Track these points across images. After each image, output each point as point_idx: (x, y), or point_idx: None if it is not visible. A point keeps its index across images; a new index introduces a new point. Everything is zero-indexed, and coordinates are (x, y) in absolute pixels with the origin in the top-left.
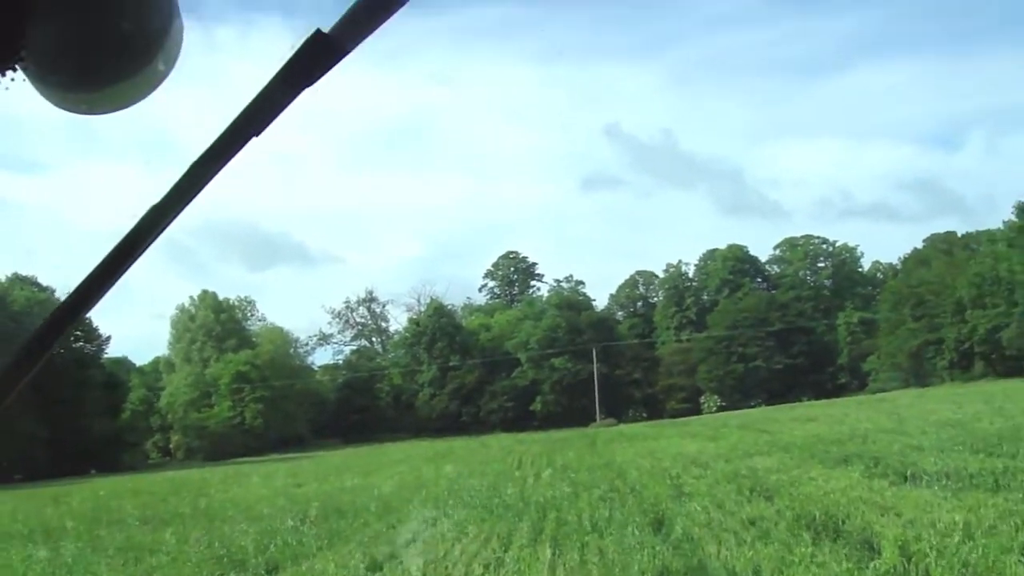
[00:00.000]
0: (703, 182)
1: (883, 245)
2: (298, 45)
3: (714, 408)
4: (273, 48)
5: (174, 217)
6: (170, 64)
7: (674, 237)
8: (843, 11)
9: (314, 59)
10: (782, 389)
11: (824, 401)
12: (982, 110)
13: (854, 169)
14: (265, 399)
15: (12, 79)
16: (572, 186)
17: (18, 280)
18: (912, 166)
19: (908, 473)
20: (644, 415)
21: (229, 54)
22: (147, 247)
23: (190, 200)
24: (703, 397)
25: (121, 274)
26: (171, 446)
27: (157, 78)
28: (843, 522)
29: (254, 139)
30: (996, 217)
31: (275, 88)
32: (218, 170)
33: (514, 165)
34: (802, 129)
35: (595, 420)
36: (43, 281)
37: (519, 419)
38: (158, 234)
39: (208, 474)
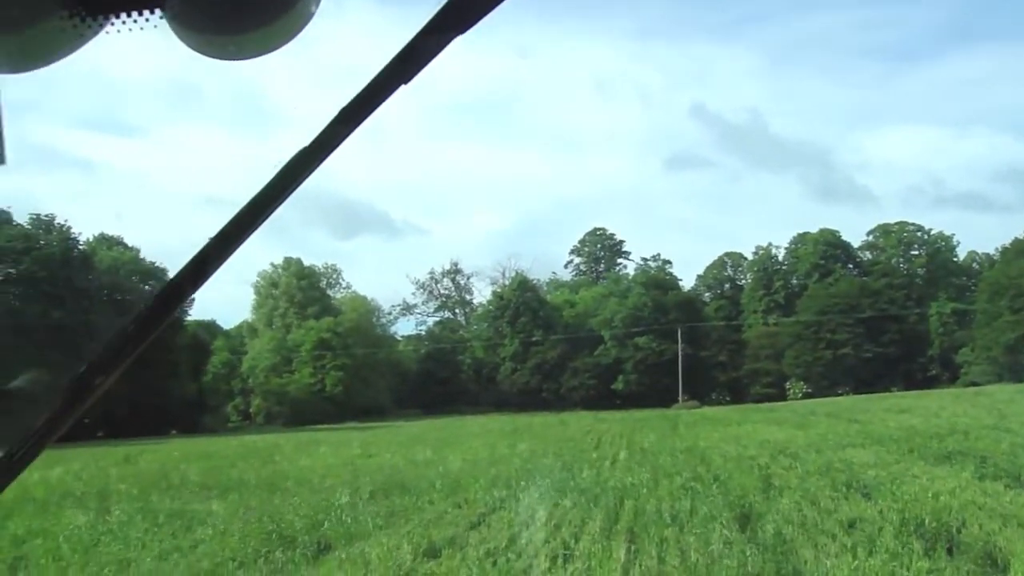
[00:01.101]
0: (792, 165)
1: (976, 235)
2: None
3: (800, 395)
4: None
5: (318, 164)
6: (317, 3)
7: (763, 219)
8: None
9: (469, 3)
10: (870, 378)
11: (915, 392)
12: None
13: (948, 157)
14: (346, 367)
15: (155, 25)
16: (658, 164)
17: (104, 240)
18: (1009, 155)
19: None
20: (727, 398)
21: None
22: (290, 193)
23: (336, 146)
24: (789, 383)
25: (258, 225)
26: (251, 410)
27: (305, 18)
28: (958, 530)
29: (403, 87)
30: None
31: (428, 33)
32: (366, 116)
33: (601, 141)
34: (894, 115)
35: (677, 401)
36: (129, 242)
37: (600, 397)
38: (301, 181)
39: (282, 440)
